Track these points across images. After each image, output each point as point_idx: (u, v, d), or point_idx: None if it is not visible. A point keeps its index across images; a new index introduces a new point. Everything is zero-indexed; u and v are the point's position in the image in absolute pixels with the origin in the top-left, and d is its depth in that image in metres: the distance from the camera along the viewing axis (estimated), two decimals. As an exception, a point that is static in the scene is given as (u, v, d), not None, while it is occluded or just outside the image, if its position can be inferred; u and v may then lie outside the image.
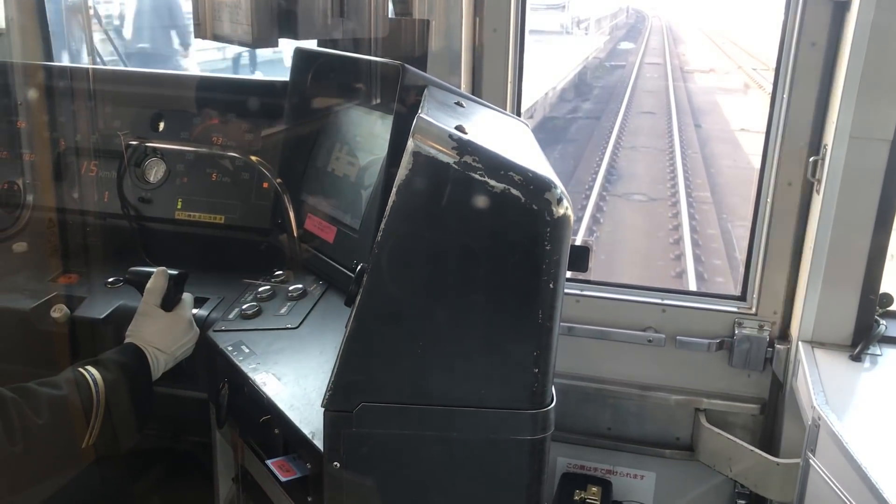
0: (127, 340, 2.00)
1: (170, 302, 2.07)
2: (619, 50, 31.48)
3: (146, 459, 2.49)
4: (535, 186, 1.46)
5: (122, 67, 3.07)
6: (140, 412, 1.92)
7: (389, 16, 2.42)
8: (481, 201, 1.46)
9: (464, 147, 1.46)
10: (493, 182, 1.45)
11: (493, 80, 2.83)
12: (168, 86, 2.72)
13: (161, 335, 2.01)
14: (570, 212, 1.49)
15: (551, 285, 1.50)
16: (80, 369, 1.82)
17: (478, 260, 1.51)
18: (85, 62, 3.49)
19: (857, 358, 2.45)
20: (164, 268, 2.10)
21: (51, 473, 1.77)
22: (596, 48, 27.21)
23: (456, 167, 1.44)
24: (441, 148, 1.45)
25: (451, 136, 1.47)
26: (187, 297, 2.12)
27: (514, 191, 1.45)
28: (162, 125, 2.66)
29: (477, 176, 1.45)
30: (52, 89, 2.71)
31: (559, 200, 1.47)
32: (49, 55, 2.97)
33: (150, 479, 2.55)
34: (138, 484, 2.47)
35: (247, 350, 2.01)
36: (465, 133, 1.50)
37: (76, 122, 2.70)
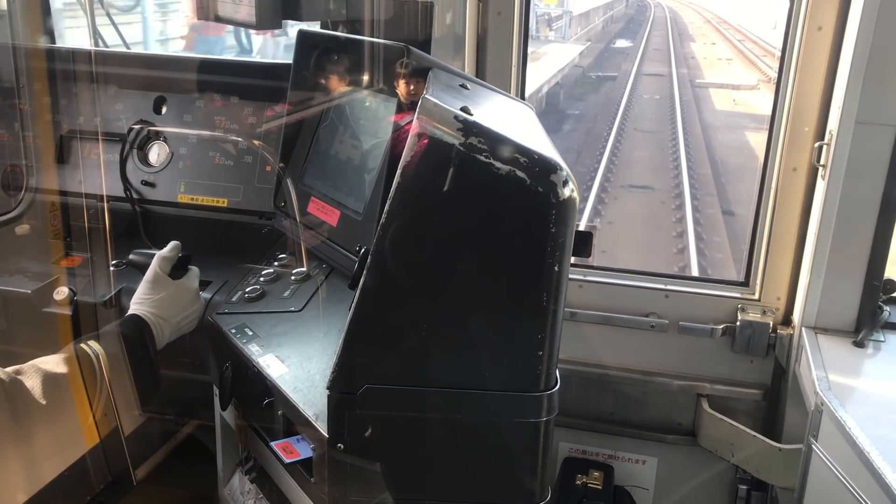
0: (131, 309, 2.00)
1: (177, 273, 2.09)
2: (613, 50, 24.97)
3: (149, 442, 2.49)
4: (541, 168, 1.46)
5: (124, 50, 3.06)
6: (145, 383, 1.92)
7: (393, -2, 2.41)
8: (486, 183, 1.46)
9: (469, 128, 1.45)
10: (498, 164, 1.44)
11: (497, 63, 2.82)
12: (171, 68, 2.71)
13: (166, 304, 2.01)
14: (575, 194, 1.48)
15: (556, 268, 1.49)
16: (82, 345, 1.82)
17: (482, 242, 1.51)
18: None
19: (860, 344, 2.45)
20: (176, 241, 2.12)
21: (56, 454, 1.77)
22: (569, 60, 19.56)
23: (461, 148, 1.44)
24: (446, 129, 1.44)
25: (456, 117, 1.46)
26: (194, 269, 2.13)
27: (519, 172, 1.44)
28: (164, 108, 2.65)
29: (482, 157, 1.44)
30: (54, 72, 2.69)
31: (565, 182, 1.46)
32: (51, 37, 2.96)
33: (153, 461, 2.55)
34: (142, 466, 2.47)
35: (250, 333, 2.00)
36: (471, 114, 1.49)
37: (79, 104, 2.69)
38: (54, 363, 1.75)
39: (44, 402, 1.67)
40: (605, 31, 28.93)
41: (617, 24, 31.01)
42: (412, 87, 1.93)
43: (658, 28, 30.70)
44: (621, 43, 26.81)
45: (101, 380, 1.80)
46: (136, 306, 1.99)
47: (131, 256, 2.17)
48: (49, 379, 1.70)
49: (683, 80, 19.79)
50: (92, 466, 2.13)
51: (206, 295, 2.21)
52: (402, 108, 1.97)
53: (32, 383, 1.67)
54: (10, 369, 1.68)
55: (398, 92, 1.99)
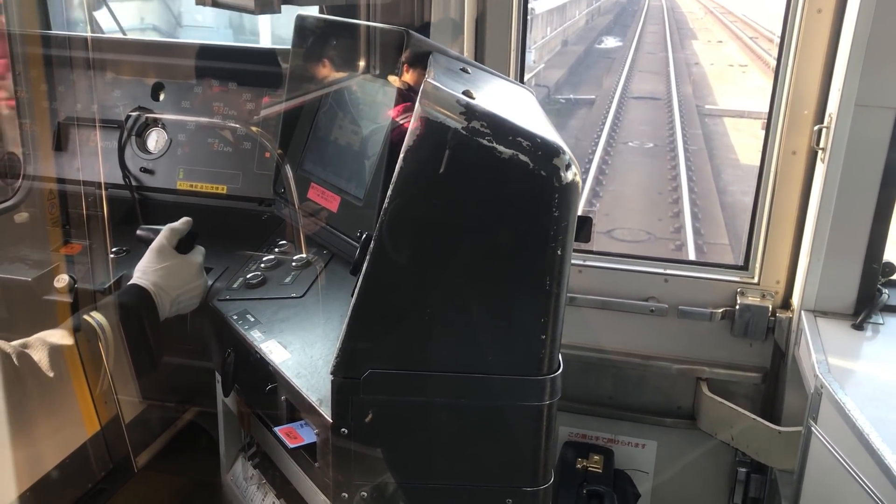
0: (134, 278, 2.00)
1: (184, 248, 2.10)
2: (597, 53, 19.83)
3: (151, 429, 2.50)
4: (544, 152, 1.45)
5: (121, 36, 3.04)
6: (147, 354, 1.92)
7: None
8: (489, 167, 1.45)
9: (471, 112, 1.44)
10: (501, 148, 1.44)
11: (496, 47, 2.81)
12: (169, 54, 2.69)
13: (169, 275, 2.01)
14: (578, 178, 1.48)
15: (559, 252, 1.50)
16: (86, 316, 1.82)
17: (485, 226, 1.51)
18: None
19: (859, 327, 2.46)
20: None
21: (67, 427, 1.78)
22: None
23: (464, 132, 1.43)
24: (448, 113, 1.44)
25: (458, 100, 1.46)
26: (200, 248, 2.14)
27: (522, 156, 1.44)
28: (162, 95, 2.64)
29: (485, 141, 1.44)
30: (50, 58, 2.68)
31: (567, 166, 1.46)
32: (47, 23, 2.94)
33: (154, 448, 2.55)
34: (143, 453, 2.48)
35: (252, 319, 2.00)
36: (473, 98, 1.49)
37: (76, 91, 2.67)
38: (60, 336, 1.75)
39: (51, 375, 1.68)
40: (590, 27, 23.78)
41: (605, 17, 26.12)
42: (412, 72, 1.92)
43: (653, 21, 26.51)
44: (609, 42, 21.85)
45: (106, 349, 1.81)
46: (138, 275, 2.00)
47: (139, 232, 2.17)
48: (56, 351, 1.71)
49: (688, 105, 14.31)
50: (92, 454, 2.13)
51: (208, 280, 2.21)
52: (402, 93, 1.96)
53: (39, 356, 1.68)
54: (16, 343, 1.69)
55: (398, 76, 1.99)
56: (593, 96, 15.08)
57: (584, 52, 19.45)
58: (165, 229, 2.08)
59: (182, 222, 2.12)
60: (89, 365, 1.79)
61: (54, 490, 2.03)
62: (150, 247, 2.05)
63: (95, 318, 1.83)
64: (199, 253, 2.13)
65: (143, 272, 2.00)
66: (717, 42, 22.41)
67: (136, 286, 1.96)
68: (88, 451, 2.13)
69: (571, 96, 15.05)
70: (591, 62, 18.70)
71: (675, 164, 11.22)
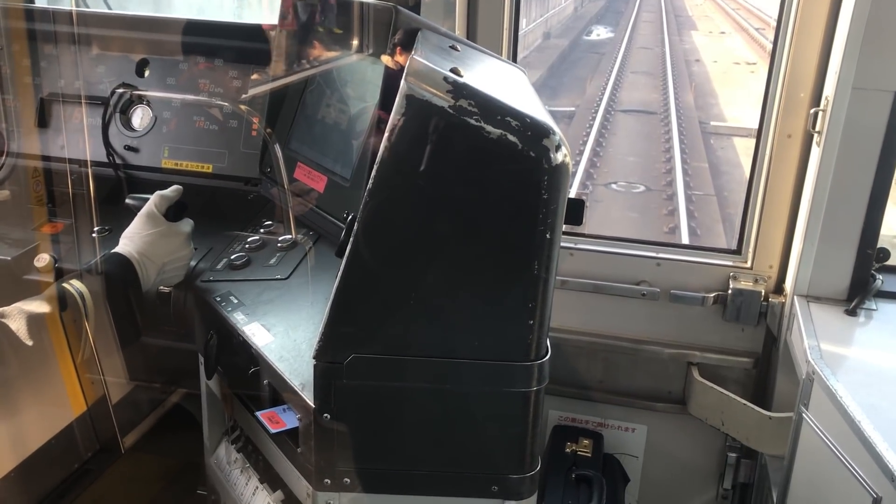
0: (119, 245, 1.96)
1: (173, 216, 2.06)
2: (584, 45, 17.94)
3: (137, 410, 2.47)
4: (533, 132, 1.42)
5: (106, 11, 2.98)
6: (131, 322, 1.89)
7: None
8: (476, 147, 1.42)
9: (459, 90, 1.41)
10: (489, 127, 1.40)
11: (489, 26, 2.76)
12: (154, 30, 2.64)
13: (156, 242, 1.97)
14: (568, 159, 1.45)
15: (548, 235, 1.47)
16: (65, 284, 1.79)
17: (472, 208, 1.47)
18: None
19: (852, 312, 2.44)
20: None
21: (52, 399, 1.76)
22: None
23: (450, 111, 1.40)
24: (435, 91, 1.40)
25: (445, 78, 1.42)
26: (188, 220, 2.10)
27: (510, 137, 1.41)
28: (147, 71, 2.59)
29: (472, 121, 1.40)
30: (33, 33, 2.63)
31: (558, 147, 1.42)
32: (29, -3, 2.88)
33: (141, 430, 2.53)
34: (129, 434, 2.46)
35: (235, 301, 1.97)
36: (461, 76, 1.45)
37: (59, 67, 2.63)
38: (39, 304, 1.72)
39: (30, 344, 1.64)
40: (578, 14, 21.65)
41: (596, 4, 24.03)
42: (401, 49, 1.88)
43: (648, 7, 24.32)
44: (599, 32, 19.56)
45: (87, 317, 1.78)
46: (125, 241, 1.97)
47: (127, 201, 2.13)
48: (35, 320, 1.68)
49: (689, 122, 11.84)
50: (79, 434, 2.11)
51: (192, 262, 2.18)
52: (390, 71, 1.92)
53: (18, 325, 1.65)
54: None
55: (386, 54, 1.94)
56: (573, 108, 12.76)
57: (568, 45, 17.64)
58: (155, 196, 2.04)
59: (172, 190, 2.07)
60: (71, 333, 1.76)
61: (41, 469, 2.01)
62: (139, 213, 2.02)
63: (75, 286, 1.79)
64: (187, 223, 2.10)
65: (130, 238, 1.96)
66: (719, 33, 20.43)
67: (117, 254, 1.92)
68: (74, 432, 2.11)
69: (547, 108, 13.33)
70: (576, 58, 16.77)
71: (674, 225, 8.86)
